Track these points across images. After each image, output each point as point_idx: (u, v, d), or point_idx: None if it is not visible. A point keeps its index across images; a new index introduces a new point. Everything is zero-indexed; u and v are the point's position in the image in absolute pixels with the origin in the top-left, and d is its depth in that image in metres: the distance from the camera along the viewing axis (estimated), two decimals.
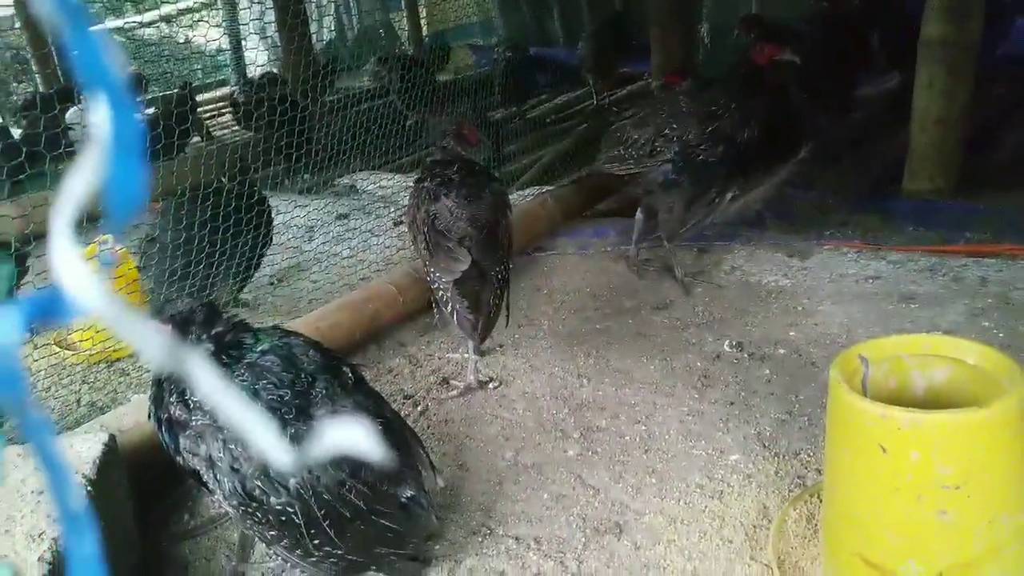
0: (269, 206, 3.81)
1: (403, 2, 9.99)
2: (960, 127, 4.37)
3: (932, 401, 1.73)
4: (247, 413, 0.34)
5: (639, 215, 3.87)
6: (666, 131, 3.54)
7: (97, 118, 0.31)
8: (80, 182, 0.32)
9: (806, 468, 2.36)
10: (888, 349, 1.78)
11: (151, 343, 0.34)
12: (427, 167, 3.19)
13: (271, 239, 3.83)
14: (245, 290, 3.82)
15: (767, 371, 2.92)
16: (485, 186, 3.04)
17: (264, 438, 0.35)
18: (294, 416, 1.76)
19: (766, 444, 2.50)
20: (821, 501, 1.96)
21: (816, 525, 2.04)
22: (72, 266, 0.32)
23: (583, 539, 2.18)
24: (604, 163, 3.83)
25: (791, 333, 3.17)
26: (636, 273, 3.84)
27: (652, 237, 3.97)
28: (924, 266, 3.59)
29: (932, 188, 4.42)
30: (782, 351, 3.05)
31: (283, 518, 1.75)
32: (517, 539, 2.20)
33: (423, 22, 10.19)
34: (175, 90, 6.68)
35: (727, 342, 3.14)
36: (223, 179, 3.59)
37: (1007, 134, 5.29)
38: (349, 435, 0.37)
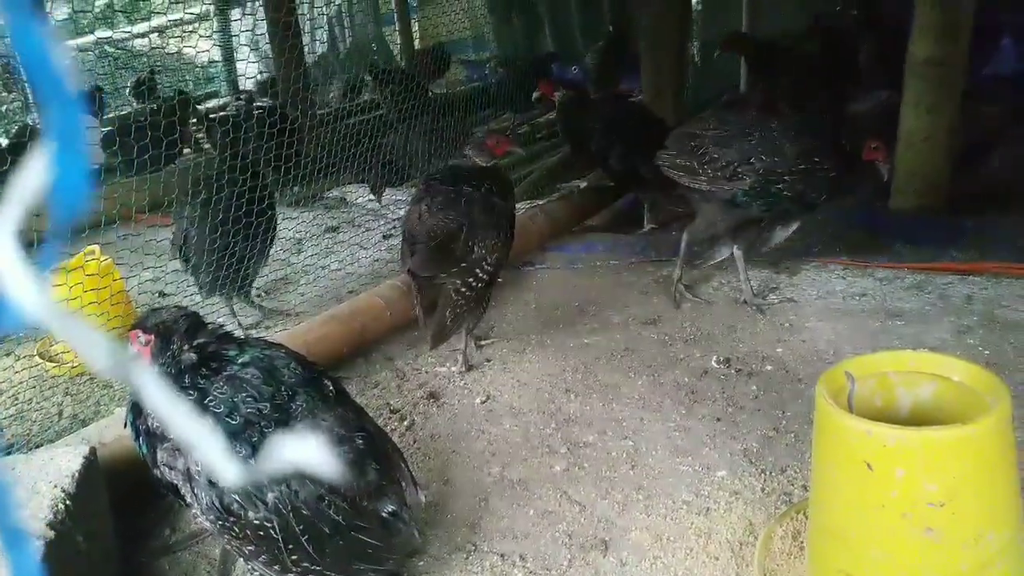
0: (275, 213, 3.87)
1: (395, 16, 10.04)
2: (947, 145, 4.40)
3: (918, 418, 1.72)
4: (195, 427, 0.33)
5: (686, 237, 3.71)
6: (752, 159, 3.39)
7: (44, 119, 0.31)
8: (25, 186, 0.31)
9: (792, 485, 2.35)
10: (874, 366, 1.78)
11: (95, 350, 0.33)
12: (434, 172, 3.40)
13: (271, 246, 3.88)
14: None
15: (754, 387, 2.92)
16: (463, 196, 3.09)
17: (212, 453, 0.33)
18: (272, 429, 1.74)
19: (753, 460, 2.49)
20: (807, 518, 1.95)
21: (802, 542, 2.02)
22: (14, 272, 0.31)
23: (568, 556, 2.16)
24: (669, 167, 3.64)
25: (778, 349, 3.17)
26: (674, 301, 3.69)
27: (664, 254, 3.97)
28: (911, 283, 3.60)
29: (919, 206, 4.44)
30: (769, 367, 3.04)
31: (261, 533, 1.73)
32: (502, 556, 2.18)
33: (415, 36, 10.23)
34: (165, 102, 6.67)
35: (714, 358, 3.13)
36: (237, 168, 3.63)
37: (994, 153, 5.34)
38: (304, 451, 0.36)
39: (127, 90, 7.95)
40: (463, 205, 3.07)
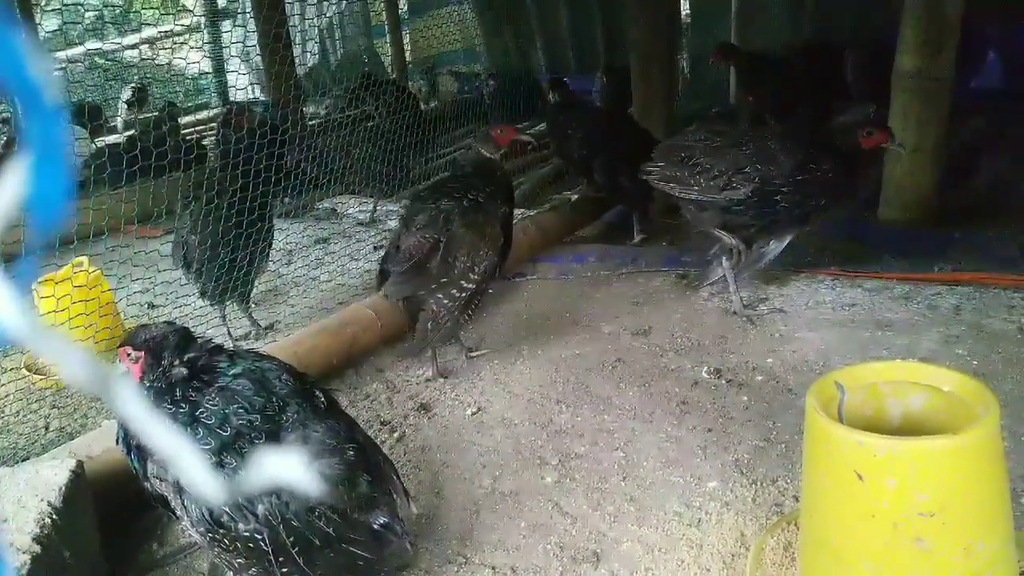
0: (272, 224, 3.92)
1: (387, 28, 10.06)
2: (934, 158, 4.43)
3: (907, 428, 1.73)
4: (177, 443, 0.33)
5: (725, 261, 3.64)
6: (747, 168, 3.37)
7: (23, 128, 0.30)
8: (3, 199, 0.30)
9: (783, 495, 2.35)
10: (864, 376, 1.78)
11: (74, 365, 0.32)
12: (423, 185, 3.48)
13: (267, 258, 3.91)
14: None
15: (745, 398, 2.92)
16: (442, 212, 3.11)
17: (194, 470, 0.33)
18: (263, 441, 1.74)
19: (744, 471, 2.49)
20: (798, 528, 1.95)
21: (794, 553, 2.02)
22: None
23: (560, 568, 2.15)
24: (658, 179, 3.64)
25: (768, 360, 3.18)
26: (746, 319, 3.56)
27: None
28: (899, 294, 3.62)
29: (907, 217, 4.48)
30: (759, 377, 3.05)
31: (251, 545, 1.72)
32: (493, 568, 2.17)
33: (407, 49, 10.26)
34: (154, 113, 6.66)
35: (705, 368, 3.14)
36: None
37: (981, 164, 5.39)
38: (295, 463, 0.35)
39: (121, 103, 7.94)
40: (441, 221, 3.09)
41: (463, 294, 3.09)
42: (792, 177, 3.35)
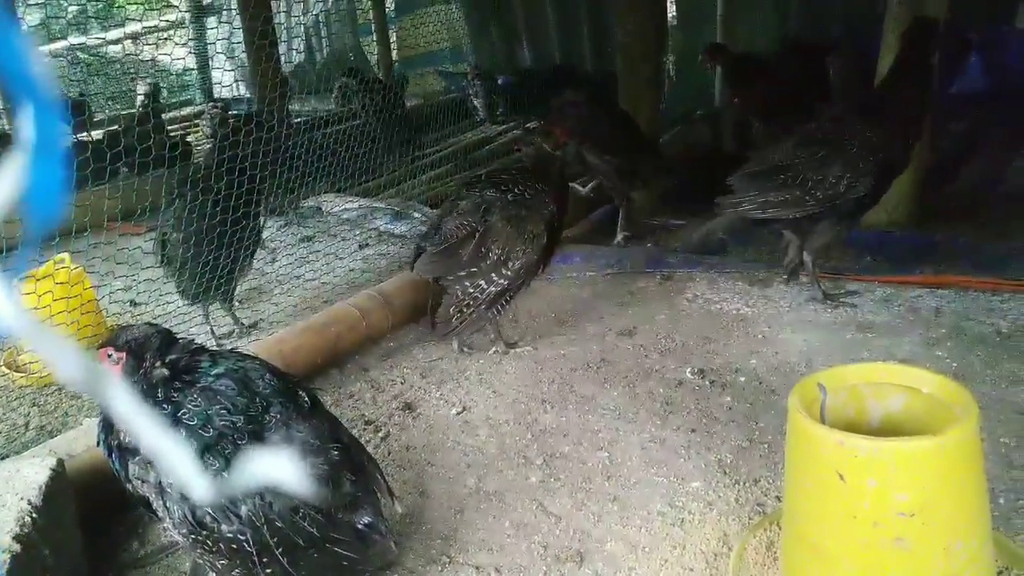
0: (259, 223, 3.91)
1: (373, 27, 10.03)
2: (917, 160, 4.47)
3: (888, 429, 1.75)
4: (166, 441, 0.33)
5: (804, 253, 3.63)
6: (860, 164, 3.35)
7: (22, 122, 0.30)
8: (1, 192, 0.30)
9: (766, 495, 2.36)
10: (845, 378, 1.80)
11: (66, 361, 0.32)
12: (475, 174, 3.60)
13: (252, 257, 3.89)
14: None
15: (728, 398, 2.94)
16: (484, 203, 3.20)
17: (182, 467, 0.33)
18: (246, 442, 1.72)
19: (727, 471, 2.50)
20: (781, 528, 1.96)
21: (776, 553, 2.04)
22: None
23: (544, 568, 2.15)
24: (759, 210, 3.50)
25: (752, 361, 3.20)
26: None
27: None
28: (880, 296, 3.66)
29: (889, 220, 4.52)
30: (743, 378, 3.07)
31: (234, 546, 1.71)
32: (478, 568, 2.17)
33: (393, 47, 10.24)
34: (139, 109, 6.60)
35: (689, 369, 3.15)
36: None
37: (962, 168, 5.45)
38: (278, 463, 0.36)
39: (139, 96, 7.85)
40: (481, 211, 3.18)
41: (492, 287, 3.16)
42: (904, 147, 3.44)
